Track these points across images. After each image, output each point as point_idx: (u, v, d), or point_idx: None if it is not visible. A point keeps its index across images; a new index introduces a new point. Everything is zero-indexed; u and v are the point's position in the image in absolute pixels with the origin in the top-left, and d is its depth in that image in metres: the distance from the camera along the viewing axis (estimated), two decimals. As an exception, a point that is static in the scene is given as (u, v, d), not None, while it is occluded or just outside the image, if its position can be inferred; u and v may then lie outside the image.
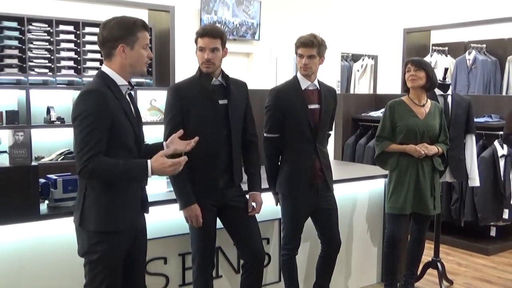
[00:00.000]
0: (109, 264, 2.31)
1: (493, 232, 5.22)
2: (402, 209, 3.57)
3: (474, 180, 4.12)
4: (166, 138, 2.82)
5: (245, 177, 3.05)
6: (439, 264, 4.14)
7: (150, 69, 6.18)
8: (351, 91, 8.50)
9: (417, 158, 3.51)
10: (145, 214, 2.53)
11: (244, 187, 3.05)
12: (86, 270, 2.34)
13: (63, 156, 5.10)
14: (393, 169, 3.61)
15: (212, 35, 2.82)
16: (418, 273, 4.07)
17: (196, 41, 2.87)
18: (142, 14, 6.40)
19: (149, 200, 2.55)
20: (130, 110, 2.37)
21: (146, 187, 2.50)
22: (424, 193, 3.55)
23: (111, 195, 2.30)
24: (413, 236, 3.80)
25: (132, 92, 2.48)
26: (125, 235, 2.34)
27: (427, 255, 4.24)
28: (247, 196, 3.02)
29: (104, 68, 2.34)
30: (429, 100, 3.64)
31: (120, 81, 2.33)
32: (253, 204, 3.00)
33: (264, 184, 3.28)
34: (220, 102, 2.87)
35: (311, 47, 3.12)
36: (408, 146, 3.51)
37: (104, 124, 2.21)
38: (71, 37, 5.68)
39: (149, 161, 2.28)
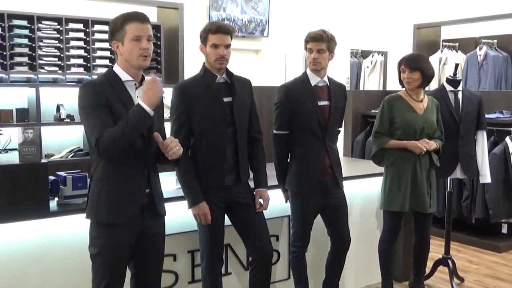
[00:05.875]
0: (108, 260, 2.33)
1: (504, 229, 5.18)
2: (402, 207, 3.52)
3: (486, 176, 4.08)
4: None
5: (251, 174, 3.05)
6: (449, 261, 4.11)
7: (159, 67, 6.20)
8: (361, 88, 8.47)
9: (415, 154, 3.46)
10: (162, 221, 2.53)
11: (251, 184, 3.04)
12: (91, 264, 2.39)
13: (73, 154, 5.13)
14: (389, 165, 3.56)
15: (225, 32, 2.82)
16: (429, 270, 4.05)
17: (205, 38, 2.85)
18: (151, 12, 6.40)
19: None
20: (132, 104, 2.33)
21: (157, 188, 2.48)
22: (422, 190, 3.50)
23: (109, 186, 2.34)
24: (417, 235, 3.76)
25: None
26: (124, 230, 2.34)
27: (438, 252, 4.22)
28: (254, 193, 3.02)
29: (115, 65, 2.40)
30: (426, 95, 3.60)
31: (124, 76, 2.37)
32: (260, 200, 3.00)
33: (274, 181, 3.27)
34: (225, 99, 2.87)
35: (320, 42, 3.11)
36: (409, 142, 3.45)
37: (103, 108, 2.27)
38: (81, 35, 5.70)
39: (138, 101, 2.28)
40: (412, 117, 3.48)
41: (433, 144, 3.48)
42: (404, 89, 3.60)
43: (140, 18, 2.34)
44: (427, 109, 3.53)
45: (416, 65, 3.44)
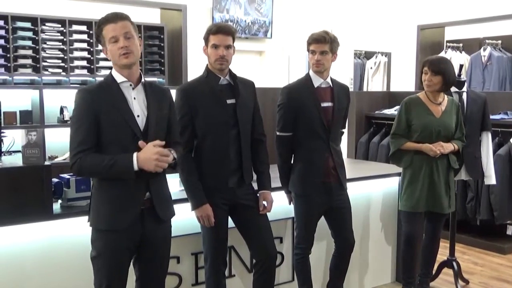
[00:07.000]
0: (106, 263, 2.33)
1: (509, 231, 5.15)
2: (416, 207, 3.53)
3: (490, 178, 4.06)
4: None
5: (255, 176, 3.03)
6: (454, 263, 4.09)
7: (162, 68, 6.20)
8: (364, 89, 8.45)
9: (432, 156, 3.47)
10: (166, 225, 2.51)
11: (255, 186, 3.03)
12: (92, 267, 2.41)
13: (76, 156, 5.12)
14: (407, 167, 3.57)
15: (226, 32, 2.82)
16: (434, 272, 4.03)
17: (207, 39, 2.86)
18: (154, 13, 6.42)
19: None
20: (126, 106, 2.32)
21: (160, 193, 2.45)
22: (439, 191, 3.51)
23: (106, 193, 2.34)
24: (428, 235, 3.76)
25: (143, 89, 2.40)
26: (121, 236, 2.32)
27: (443, 254, 4.20)
28: (258, 195, 3.01)
29: (112, 69, 2.41)
30: (446, 97, 3.59)
31: (120, 78, 2.36)
32: (264, 202, 2.99)
33: (277, 183, 3.26)
34: (228, 101, 2.86)
35: (323, 43, 3.10)
36: (424, 145, 3.46)
37: (88, 121, 2.26)
38: (84, 37, 5.71)
39: (136, 153, 2.26)
40: (428, 120, 3.48)
41: (449, 147, 3.48)
42: (423, 91, 3.59)
43: (112, 19, 2.32)
44: (445, 112, 3.52)
45: (439, 69, 3.42)
